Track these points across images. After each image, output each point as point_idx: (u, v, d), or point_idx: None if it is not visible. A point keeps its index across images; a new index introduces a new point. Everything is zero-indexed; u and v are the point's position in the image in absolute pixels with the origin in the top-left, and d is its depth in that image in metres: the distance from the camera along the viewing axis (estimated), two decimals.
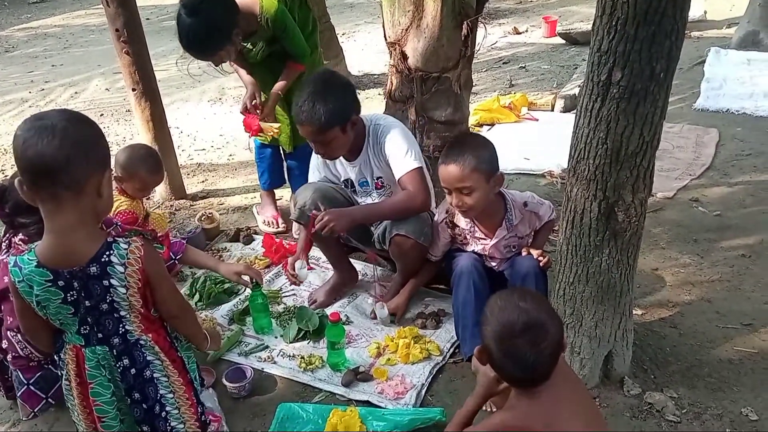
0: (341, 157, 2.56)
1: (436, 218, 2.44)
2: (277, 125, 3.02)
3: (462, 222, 2.34)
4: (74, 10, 10.30)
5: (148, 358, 1.58)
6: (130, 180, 2.63)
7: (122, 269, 1.44)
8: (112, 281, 1.45)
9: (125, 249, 1.44)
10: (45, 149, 1.30)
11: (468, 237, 2.37)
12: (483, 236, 2.34)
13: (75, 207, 1.37)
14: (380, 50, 6.16)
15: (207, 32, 2.69)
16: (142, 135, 3.59)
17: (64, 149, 1.31)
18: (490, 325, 1.50)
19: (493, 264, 2.40)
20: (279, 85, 3.01)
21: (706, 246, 2.97)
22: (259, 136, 3.09)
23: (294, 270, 2.51)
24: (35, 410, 2.17)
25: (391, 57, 2.84)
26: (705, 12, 6.66)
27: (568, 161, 1.94)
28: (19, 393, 2.15)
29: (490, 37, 6.63)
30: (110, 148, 1.44)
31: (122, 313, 1.51)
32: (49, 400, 2.17)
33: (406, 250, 2.46)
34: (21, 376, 2.13)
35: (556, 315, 1.52)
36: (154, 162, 2.72)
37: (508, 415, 1.54)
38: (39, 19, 9.91)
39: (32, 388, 2.15)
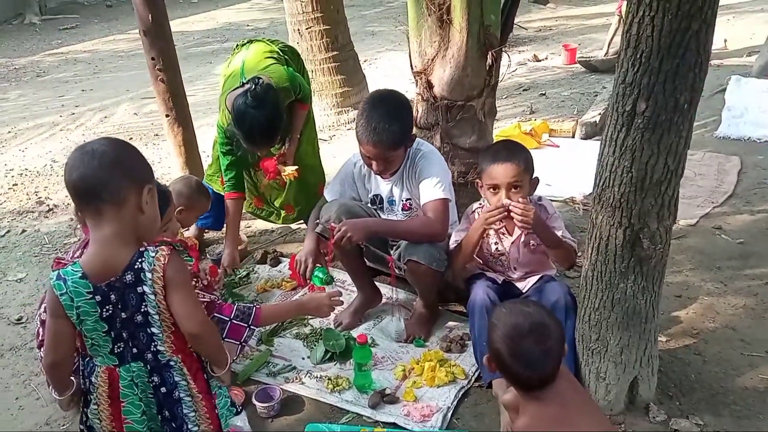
0: None
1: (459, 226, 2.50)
2: (294, 168, 3.11)
3: None
4: (103, 36, 10.58)
5: (176, 378, 1.62)
6: (192, 210, 2.78)
7: (150, 275, 1.51)
8: (145, 288, 1.51)
9: (153, 256, 1.52)
10: (86, 170, 1.47)
11: (491, 233, 2.43)
12: (504, 233, 2.43)
13: (114, 219, 1.49)
14: (402, 77, 6.26)
15: (275, 121, 2.81)
16: (173, 159, 3.70)
17: (103, 168, 1.48)
18: (498, 330, 1.62)
19: (519, 284, 2.45)
20: (295, 129, 3.14)
21: (729, 274, 2.98)
22: (277, 178, 3.17)
23: (307, 273, 2.61)
24: None
25: (417, 86, 2.92)
26: (725, 41, 6.69)
27: (594, 188, 1.99)
28: None
29: (510, 64, 6.72)
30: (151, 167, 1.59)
31: (154, 330, 1.56)
32: None
33: (420, 276, 2.51)
34: None
35: (557, 319, 1.69)
36: (206, 189, 3.01)
37: (520, 423, 1.62)
38: (69, 44, 10.18)
39: None
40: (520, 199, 2.27)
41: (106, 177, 1.48)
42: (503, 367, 1.61)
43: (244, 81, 2.87)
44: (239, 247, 3.34)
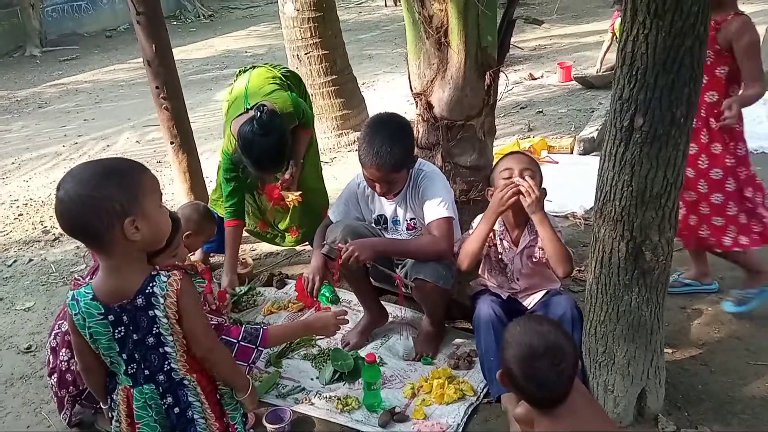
0: None
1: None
2: (297, 193, 3.15)
3: (496, 224, 2.43)
4: (103, 66, 10.68)
5: (190, 398, 1.64)
6: (199, 235, 2.85)
7: (163, 300, 1.54)
8: (157, 312, 1.54)
9: (165, 282, 1.54)
10: (61, 221, 1.49)
11: (498, 241, 2.47)
12: (510, 242, 2.46)
13: (109, 255, 1.52)
14: (400, 98, 6.35)
15: (282, 147, 2.86)
16: (178, 185, 3.74)
17: (73, 219, 1.47)
18: (511, 350, 1.61)
19: (524, 300, 2.47)
20: (298, 153, 3.18)
21: (731, 283, 2.98)
22: (281, 204, 3.21)
23: (315, 290, 2.58)
24: None
25: (417, 107, 2.97)
26: None
27: (595, 203, 2.02)
28: None
29: (508, 83, 6.80)
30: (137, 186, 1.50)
31: (168, 349, 1.58)
32: None
33: (427, 294, 2.54)
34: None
35: (571, 337, 1.66)
36: (213, 215, 3.08)
37: None
38: (70, 75, 10.28)
39: None
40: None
41: (79, 228, 1.48)
42: (516, 386, 1.62)
43: (248, 107, 2.91)
44: (244, 270, 3.37)
